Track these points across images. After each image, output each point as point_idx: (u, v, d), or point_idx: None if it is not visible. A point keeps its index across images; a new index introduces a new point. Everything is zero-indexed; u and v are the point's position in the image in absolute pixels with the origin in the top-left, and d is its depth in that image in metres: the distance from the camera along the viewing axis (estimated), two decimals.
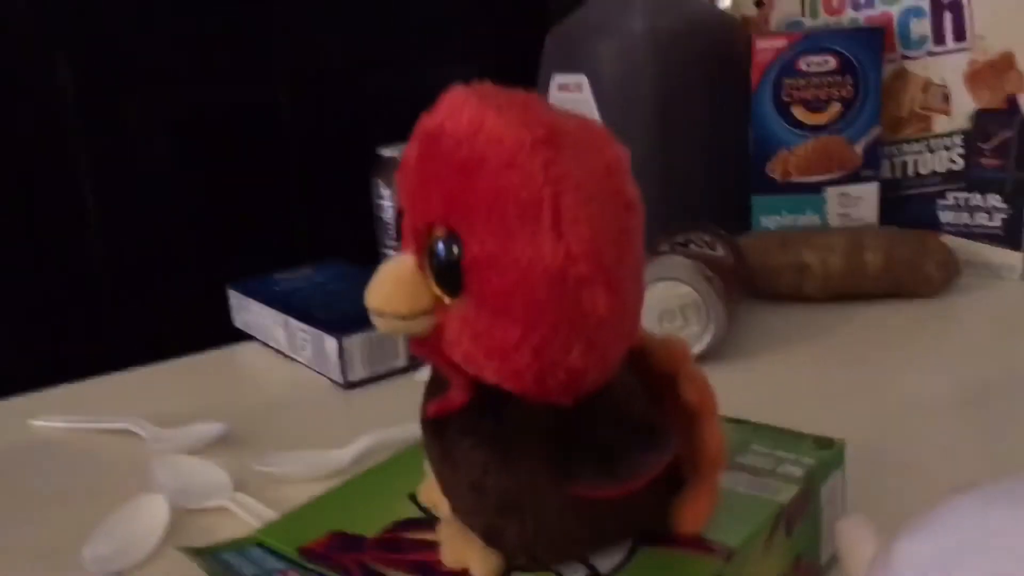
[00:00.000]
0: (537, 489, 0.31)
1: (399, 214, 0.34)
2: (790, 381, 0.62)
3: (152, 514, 0.47)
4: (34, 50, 1.38)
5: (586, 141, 0.31)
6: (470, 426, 0.32)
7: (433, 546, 0.35)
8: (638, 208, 0.32)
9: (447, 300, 0.31)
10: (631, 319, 0.32)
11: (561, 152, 0.30)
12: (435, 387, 0.34)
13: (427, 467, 0.38)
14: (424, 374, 0.66)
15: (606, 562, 0.33)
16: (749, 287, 0.75)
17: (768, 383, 0.61)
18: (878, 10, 0.82)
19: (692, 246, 0.69)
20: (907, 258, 0.73)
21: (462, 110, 0.31)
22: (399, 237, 0.34)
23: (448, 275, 0.31)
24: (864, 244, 0.73)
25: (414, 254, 0.32)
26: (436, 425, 0.34)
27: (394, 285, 0.32)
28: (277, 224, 1.59)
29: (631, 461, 0.30)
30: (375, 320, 0.33)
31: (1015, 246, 0.77)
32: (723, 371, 0.62)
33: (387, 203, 0.79)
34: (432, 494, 0.38)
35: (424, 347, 0.33)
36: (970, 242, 0.79)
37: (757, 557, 0.35)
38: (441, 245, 0.31)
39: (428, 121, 0.32)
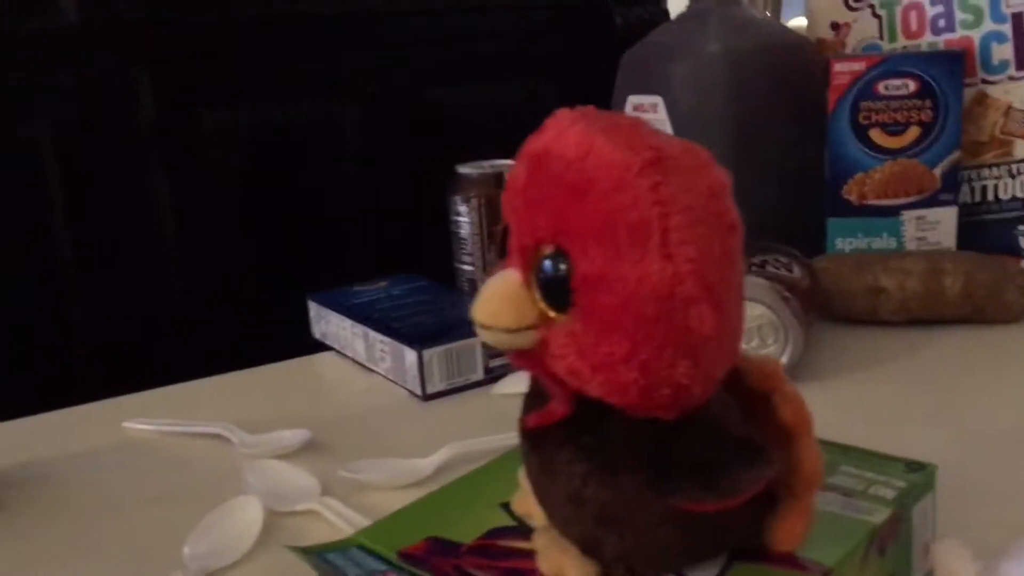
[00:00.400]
0: (637, 502, 0.32)
1: (503, 231, 0.35)
2: (868, 403, 0.62)
3: (247, 515, 0.49)
4: (115, 65, 1.43)
5: (690, 164, 0.32)
6: (570, 438, 0.33)
7: (527, 554, 0.36)
8: (739, 230, 0.32)
9: (553, 315, 0.32)
10: (734, 337, 0.32)
11: (668, 175, 0.31)
12: (534, 399, 0.35)
13: (521, 477, 0.39)
14: (502, 387, 0.67)
15: (707, 573, 0.34)
16: (825, 309, 0.75)
17: (846, 405, 0.61)
18: (958, 34, 0.82)
19: (768, 267, 0.70)
20: (987, 283, 0.73)
21: (569, 133, 0.32)
22: (503, 254, 0.35)
23: (556, 292, 0.32)
24: (943, 268, 0.73)
25: (520, 270, 0.33)
26: (535, 436, 0.35)
27: (501, 300, 0.33)
28: (349, 239, 1.62)
29: (734, 477, 0.31)
30: (481, 333, 0.34)
31: None
32: (801, 392, 0.62)
33: (463, 219, 0.80)
34: (526, 504, 0.39)
35: (526, 360, 0.34)
36: None
37: None
38: (549, 263, 0.32)
39: (535, 143, 0.33)
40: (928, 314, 0.74)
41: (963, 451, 0.54)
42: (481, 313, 0.33)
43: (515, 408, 0.36)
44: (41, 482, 0.58)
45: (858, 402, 0.62)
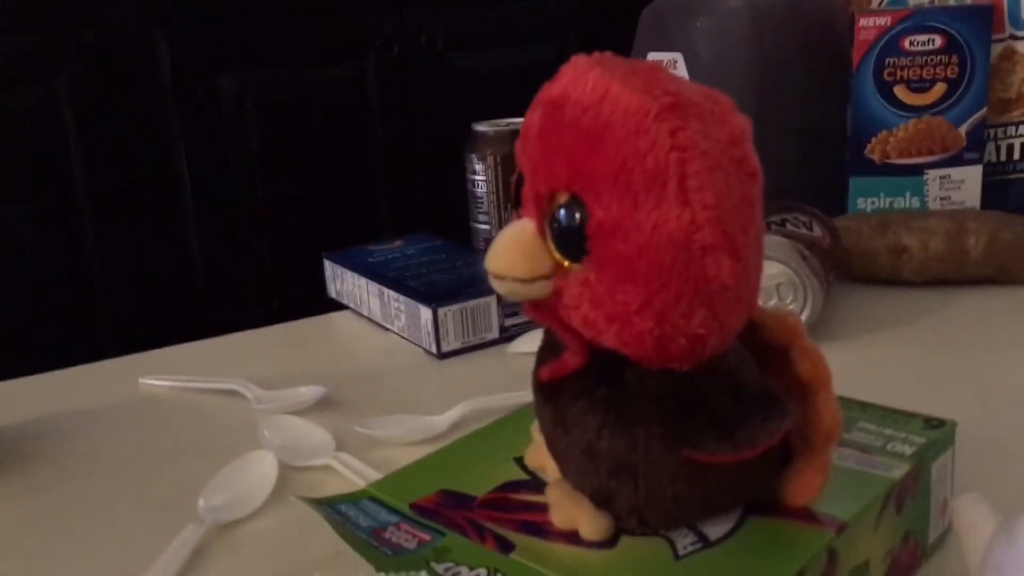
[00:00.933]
0: (651, 454, 0.32)
1: (517, 180, 0.34)
2: (889, 362, 0.61)
3: (262, 469, 0.49)
4: (133, 26, 1.43)
5: (710, 110, 0.31)
6: (585, 390, 0.33)
7: (540, 507, 0.36)
8: (760, 177, 0.32)
9: (567, 265, 0.32)
10: (752, 288, 0.32)
11: (687, 120, 0.30)
12: (549, 351, 0.35)
13: (534, 431, 0.39)
14: (517, 346, 0.67)
15: (715, 529, 0.34)
16: (845, 269, 0.74)
17: (867, 364, 0.61)
18: None
19: (788, 225, 0.69)
20: (1012, 243, 0.71)
21: (586, 78, 0.32)
22: (517, 204, 0.34)
23: (571, 240, 0.31)
24: (966, 228, 0.72)
25: (534, 220, 0.33)
26: (550, 388, 0.34)
27: (515, 250, 0.33)
28: (364, 198, 1.61)
29: (750, 429, 0.30)
30: (494, 284, 0.33)
31: None
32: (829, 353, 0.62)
33: (479, 177, 0.79)
34: (539, 457, 0.38)
35: (540, 311, 0.33)
36: None
37: (867, 532, 0.35)
38: (564, 211, 0.31)
39: (550, 89, 0.33)
40: (951, 275, 0.73)
41: (983, 410, 0.53)
42: (494, 263, 0.33)
43: (530, 366, 0.36)
44: (59, 437, 0.58)
45: (877, 362, 0.61)
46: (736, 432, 0.30)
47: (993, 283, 0.73)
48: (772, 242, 0.64)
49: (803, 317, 0.63)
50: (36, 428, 0.59)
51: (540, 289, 0.32)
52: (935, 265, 0.73)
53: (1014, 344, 0.63)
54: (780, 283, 0.63)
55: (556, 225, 0.32)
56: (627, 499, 0.33)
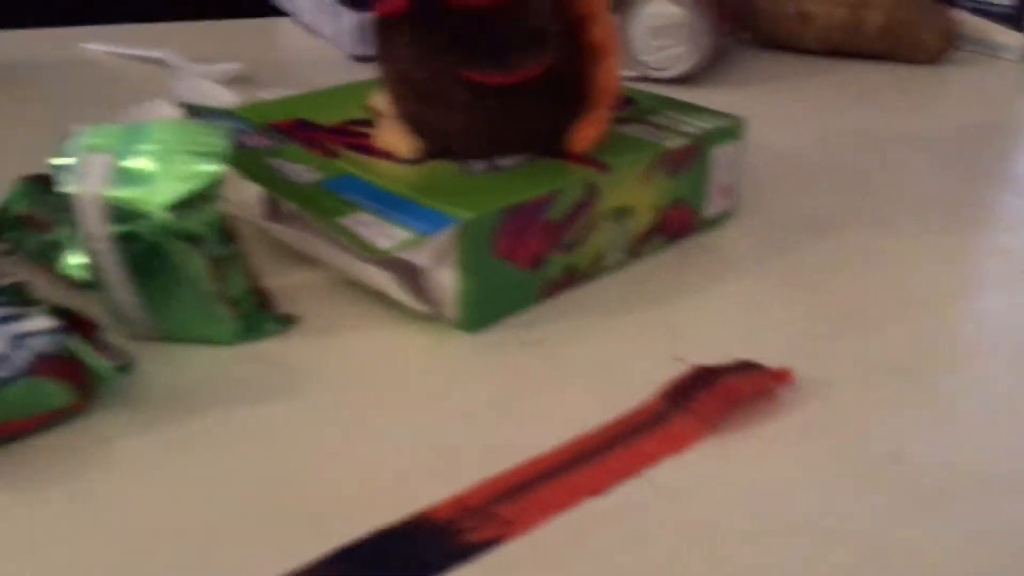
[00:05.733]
0: (448, 81, 0.38)
1: None
2: (764, 113, 0.67)
3: (161, 112, 0.55)
4: None
5: None
6: (406, 26, 0.39)
7: (371, 136, 0.43)
8: None
9: None
10: None
11: None
12: None
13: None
14: None
15: (506, 162, 0.41)
16: (753, 32, 0.78)
17: (738, 108, 0.67)
18: None
19: None
20: (907, 21, 0.76)
21: None
22: None
23: None
24: (869, 2, 0.76)
25: None
26: (382, 26, 0.40)
27: None
28: None
29: (519, 57, 0.37)
30: None
31: (1020, 27, 0.79)
32: (705, 96, 0.68)
33: None
34: (380, 101, 0.45)
35: None
36: (977, 18, 0.81)
37: (633, 183, 0.42)
38: None
39: None
40: (849, 47, 0.77)
41: (817, 143, 0.59)
42: None
43: None
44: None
45: (755, 110, 0.67)
46: (508, 58, 0.37)
47: (888, 60, 0.78)
48: None
49: (691, 60, 0.68)
50: None
51: None
52: (835, 35, 0.77)
53: (875, 107, 0.69)
54: (672, 24, 0.68)
55: None
56: (434, 124, 0.40)
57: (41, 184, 0.42)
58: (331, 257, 0.40)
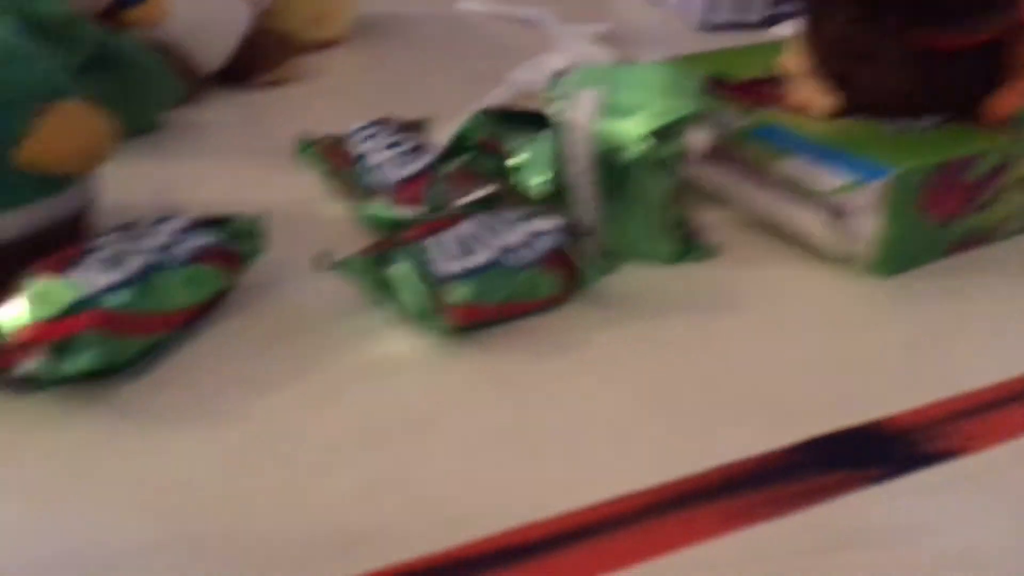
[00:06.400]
0: (892, 39, 0.41)
1: None
2: None
3: (554, 68, 0.62)
4: None
5: None
6: None
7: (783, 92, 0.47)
8: None
9: None
10: None
11: None
12: None
13: (795, 41, 0.49)
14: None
15: (922, 122, 0.44)
16: None
17: None
18: None
19: None
20: None
21: None
22: None
23: None
24: None
25: None
26: None
27: None
28: None
29: (970, 21, 0.40)
30: None
31: None
32: None
33: None
34: (792, 60, 0.49)
35: None
36: None
37: None
38: None
39: None
40: None
41: None
42: None
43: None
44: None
45: None
46: (958, 22, 0.40)
47: None
48: None
49: None
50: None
51: None
52: None
53: None
54: None
55: None
56: (864, 81, 0.43)
57: (494, 116, 0.49)
58: (751, 198, 0.44)
